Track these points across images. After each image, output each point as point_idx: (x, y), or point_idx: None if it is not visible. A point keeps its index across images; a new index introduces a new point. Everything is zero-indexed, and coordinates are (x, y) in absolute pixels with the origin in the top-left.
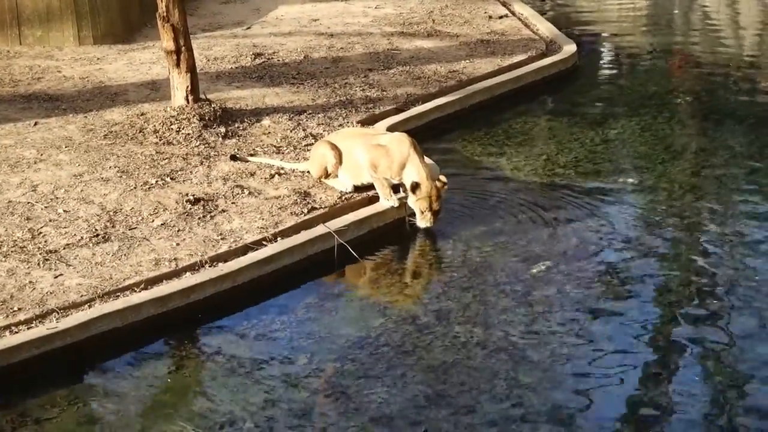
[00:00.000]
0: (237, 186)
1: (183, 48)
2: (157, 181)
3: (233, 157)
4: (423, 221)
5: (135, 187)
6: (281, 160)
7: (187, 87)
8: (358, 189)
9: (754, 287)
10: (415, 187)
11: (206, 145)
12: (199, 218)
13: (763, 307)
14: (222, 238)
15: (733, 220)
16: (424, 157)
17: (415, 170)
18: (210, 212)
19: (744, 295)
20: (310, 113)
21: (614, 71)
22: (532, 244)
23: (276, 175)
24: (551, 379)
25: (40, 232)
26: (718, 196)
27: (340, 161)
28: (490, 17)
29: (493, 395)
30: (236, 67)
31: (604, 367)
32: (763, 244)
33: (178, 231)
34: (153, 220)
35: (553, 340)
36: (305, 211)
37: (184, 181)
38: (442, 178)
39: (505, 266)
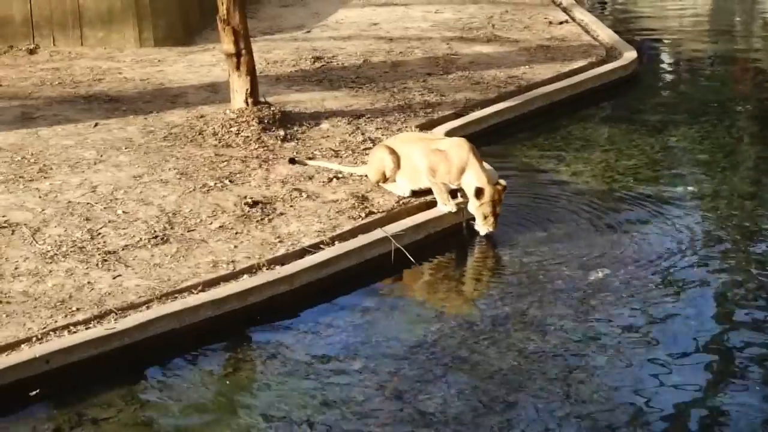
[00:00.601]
0: (295, 189)
1: (243, 51)
2: (215, 184)
3: (292, 161)
4: (486, 226)
5: (194, 189)
6: (339, 163)
7: (247, 90)
8: (415, 194)
9: None
10: (479, 192)
11: (265, 148)
12: (257, 221)
13: None
14: (280, 241)
15: None
16: (483, 162)
17: (475, 176)
18: (268, 215)
19: None
20: (368, 117)
21: (674, 78)
22: (591, 251)
23: (334, 179)
24: (608, 387)
25: (99, 233)
26: None
27: (398, 166)
28: (550, 23)
29: (550, 402)
30: (296, 71)
31: (662, 375)
32: None
33: (236, 233)
34: (211, 222)
35: (611, 348)
36: (363, 215)
37: (242, 183)
38: (502, 181)
39: (562, 273)
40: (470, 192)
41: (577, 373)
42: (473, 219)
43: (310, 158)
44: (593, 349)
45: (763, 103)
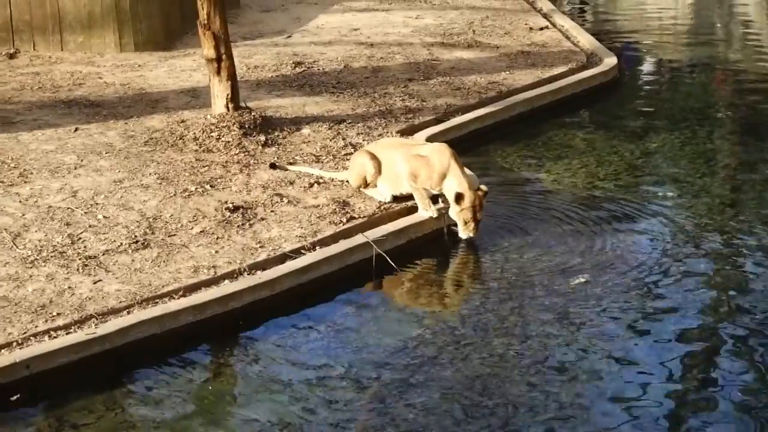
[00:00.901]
0: (276, 194)
1: (224, 56)
2: (196, 189)
3: (273, 166)
4: (467, 231)
5: (175, 194)
6: (320, 169)
7: (228, 95)
8: (397, 199)
9: None
10: (459, 198)
11: (246, 153)
12: (238, 226)
13: None
14: (261, 247)
15: None
16: (464, 167)
17: (456, 181)
18: (249, 220)
19: None
20: (349, 122)
21: (655, 84)
22: (571, 257)
23: (315, 184)
24: (590, 393)
25: (80, 238)
26: (758, 211)
27: (379, 171)
28: (531, 29)
29: (531, 408)
30: (276, 76)
31: (642, 383)
32: None
33: (217, 239)
34: (192, 228)
35: (592, 354)
36: (344, 220)
37: (223, 188)
38: (483, 187)
39: (543, 279)
40: (451, 197)
41: (559, 379)
42: (455, 224)
43: (291, 163)
44: (574, 355)
45: (743, 109)
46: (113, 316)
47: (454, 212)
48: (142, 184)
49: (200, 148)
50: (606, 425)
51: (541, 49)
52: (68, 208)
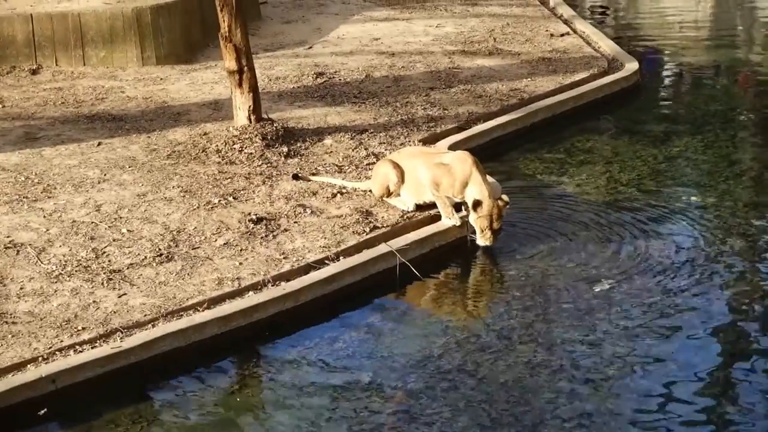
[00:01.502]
0: (299, 205)
1: (245, 68)
2: (219, 201)
3: (295, 177)
4: (483, 240)
5: (198, 207)
6: (343, 179)
7: (250, 106)
8: (420, 208)
9: None
10: (477, 204)
11: (268, 165)
12: (261, 237)
13: None
14: (284, 258)
15: None
16: (487, 175)
17: (477, 188)
18: (272, 231)
19: None
20: (371, 132)
21: (677, 88)
22: (595, 263)
23: (338, 194)
24: (615, 399)
25: (104, 252)
26: None
27: (402, 180)
28: (552, 35)
29: (556, 416)
30: (298, 87)
31: (668, 387)
32: None
33: (240, 250)
34: (216, 240)
35: (617, 360)
36: (367, 230)
37: (246, 200)
38: (504, 197)
39: (567, 285)
40: (470, 204)
41: (585, 386)
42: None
43: (313, 174)
44: (600, 363)
45: (766, 112)
46: (138, 330)
47: (473, 219)
48: (166, 197)
49: (223, 160)
50: (632, 430)
51: (562, 56)
52: (92, 223)
